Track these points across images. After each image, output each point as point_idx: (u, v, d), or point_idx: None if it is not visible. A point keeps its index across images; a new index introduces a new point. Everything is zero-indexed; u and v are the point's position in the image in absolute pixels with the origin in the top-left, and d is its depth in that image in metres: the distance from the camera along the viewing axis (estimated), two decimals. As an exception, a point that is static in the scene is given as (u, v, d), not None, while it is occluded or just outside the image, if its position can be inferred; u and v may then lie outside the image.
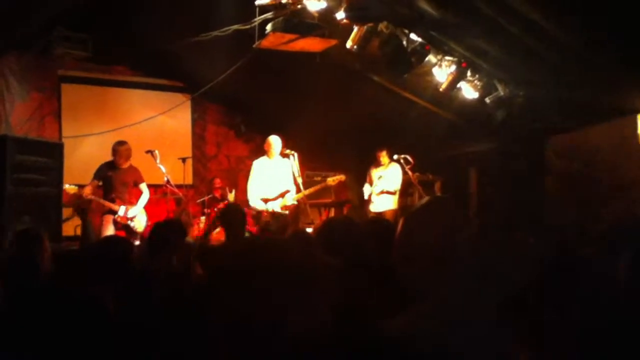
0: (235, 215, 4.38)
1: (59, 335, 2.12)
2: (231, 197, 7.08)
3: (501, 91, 6.29)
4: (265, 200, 6.64)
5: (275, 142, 6.73)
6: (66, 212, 6.89)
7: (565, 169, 6.91)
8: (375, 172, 7.87)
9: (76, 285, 3.23)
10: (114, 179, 6.59)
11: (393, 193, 7.71)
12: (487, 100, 6.36)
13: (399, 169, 7.69)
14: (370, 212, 7.75)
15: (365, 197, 7.85)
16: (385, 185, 7.68)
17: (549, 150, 7.15)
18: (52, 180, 5.40)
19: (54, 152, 5.51)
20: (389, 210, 7.67)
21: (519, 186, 7.11)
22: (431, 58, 6.07)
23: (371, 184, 7.81)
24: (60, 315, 2.19)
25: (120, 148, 6.59)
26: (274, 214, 6.59)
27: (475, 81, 6.33)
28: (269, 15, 5.69)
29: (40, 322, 2.16)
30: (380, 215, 7.53)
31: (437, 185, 8.38)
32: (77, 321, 2.12)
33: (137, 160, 6.99)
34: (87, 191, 6.48)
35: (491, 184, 7.68)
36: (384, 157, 7.77)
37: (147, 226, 6.65)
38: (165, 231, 3.58)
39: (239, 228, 4.30)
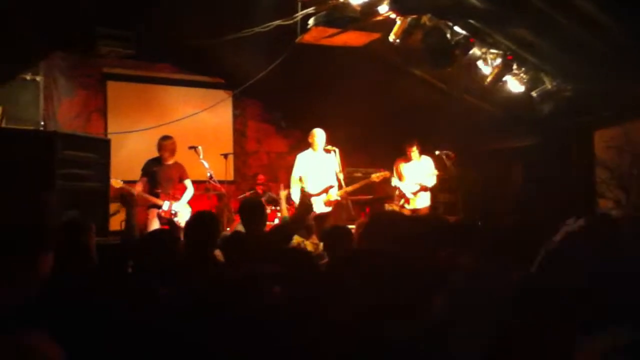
0: (254, 209, 4.32)
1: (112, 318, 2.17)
2: (283, 194, 7.05)
3: (548, 84, 6.14)
4: (309, 196, 6.63)
5: (319, 134, 6.70)
6: (113, 207, 7.01)
7: (614, 162, 6.70)
8: (404, 167, 7.54)
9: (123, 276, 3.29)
10: (159, 174, 6.70)
11: (431, 189, 7.48)
12: (534, 94, 6.20)
13: (432, 162, 7.48)
14: (404, 209, 7.43)
15: (407, 194, 7.46)
16: (421, 181, 7.41)
17: (598, 143, 6.94)
18: (99, 176, 5.50)
19: (101, 147, 5.61)
20: (426, 207, 7.46)
21: (567, 180, 6.93)
22: (475, 51, 5.94)
23: (401, 179, 7.54)
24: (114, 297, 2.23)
25: (165, 143, 6.71)
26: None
27: (521, 74, 6.18)
28: (310, 10, 5.67)
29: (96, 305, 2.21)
30: (417, 212, 7.33)
31: (481, 181, 8.22)
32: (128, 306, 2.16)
33: (181, 156, 7.08)
34: (139, 189, 6.62)
35: (537, 179, 7.49)
36: (414, 151, 7.45)
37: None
38: (198, 223, 3.61)
39: (258, 223, 4.24)
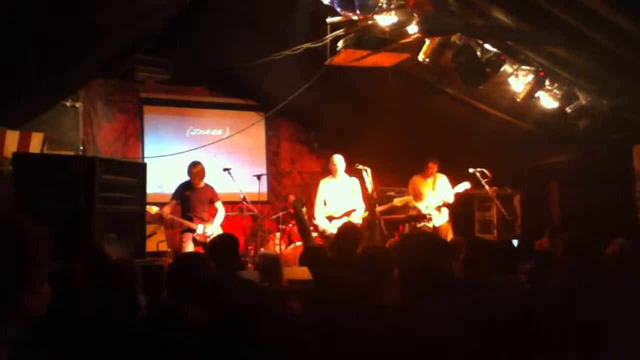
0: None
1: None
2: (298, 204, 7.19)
3: (583, 100, 6.03)
4: (331, 219, 6.70)
5: (339, 160, 6.84)
6: (148, 228, 7.16)
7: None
8: (423, 185, 7.46)
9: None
10: (191, 198, 6.84)
11: (450, 205, 7.40)
12: (568, 109, 6.11)
13: (447, 180, 7.43)
14: (426, 227, 7.29)
15: (428, 211, 7.33)
16: (443, 197, 7.33)
17: (637, 158, 6.78)
18: (136, 199, 5.59)
19: (138, 171, 5.71)
20: (445, 224, 7.39)
21: (606, 196, 6.77)
22: (507, 68, 5.89)
23: (418, 197, 7.41)
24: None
25: (194, 169, 6.86)
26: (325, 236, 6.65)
27: (555, 90, 6.09)
28: (340, 32, 5.72)
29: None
30: (437, 229, 7.26)
31: (517, 199, 8.10)
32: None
33: (215, 178, 7.20)
34: (167, 210, 6.78)
35: (575, 195, 7.34)
36: (434, 168, 7.43)
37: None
38: (221, 245, 3.65)
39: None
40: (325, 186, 6.93)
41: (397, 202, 7.17)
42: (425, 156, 7.53)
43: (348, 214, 6.73)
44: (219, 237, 4.29)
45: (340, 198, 6.80)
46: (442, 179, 7.52)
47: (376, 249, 3.78)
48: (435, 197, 7.38)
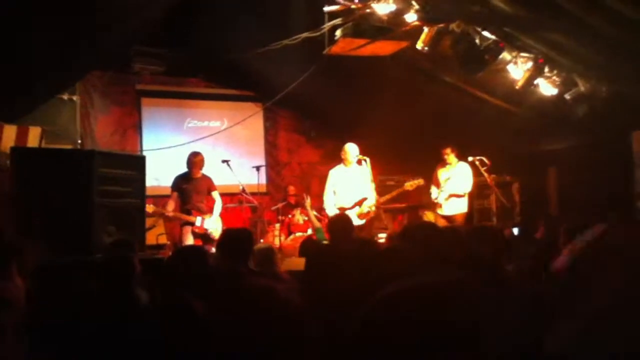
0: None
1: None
2: (308, 204, 7.11)
3: (582, 86, 6.01)
4: (342, 209, 6.63)
5: (351, 149, 6.71)
6: (148, 221, 7.16)
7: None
8: (442, 173, 7.50)
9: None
10: (189, 189, 6.82)
11: (462, 196, 7.36)
12: (567, 96, 6.09)
13: (469, 168, 7.38)
14: (438, 216, 7.40)
15: (434, 199, 7.45)
16: (453, 188, 7.32)
17: (636, 143, 6.77)
18: (135, 192, 5.58)
19: (137, 164, 5.69)
20: (460, 214, 7.35)
21: (605, 183, 6.76)
22: (505, 55, 5.87)
23: (438, 186, 7.45)
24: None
25: (195, 159, 6.82)
26: None
27: (554, 77, 6.07)
28: (338, 21, 5.69)
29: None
30: (450, 219, 7.28)
31: (515, 187, 8.10)
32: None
33: (214, 169, 7.19)
34: (171, 207, 6.75)
35: (574, 182, 7.34)
36: (449, 154, 7.41)
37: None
38: (235, 237, 3.65)
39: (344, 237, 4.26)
40: (336, 175, 6.81)
41: (408, 186, 7.11)
42: (440, 147, 7.57)
43: (359, 203, 6.66)
44: (233, 231, 4.21)
45: (351, 187, 6.70)
46: (460, 168, 7.45)
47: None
48: (449, 185, 7.38)
